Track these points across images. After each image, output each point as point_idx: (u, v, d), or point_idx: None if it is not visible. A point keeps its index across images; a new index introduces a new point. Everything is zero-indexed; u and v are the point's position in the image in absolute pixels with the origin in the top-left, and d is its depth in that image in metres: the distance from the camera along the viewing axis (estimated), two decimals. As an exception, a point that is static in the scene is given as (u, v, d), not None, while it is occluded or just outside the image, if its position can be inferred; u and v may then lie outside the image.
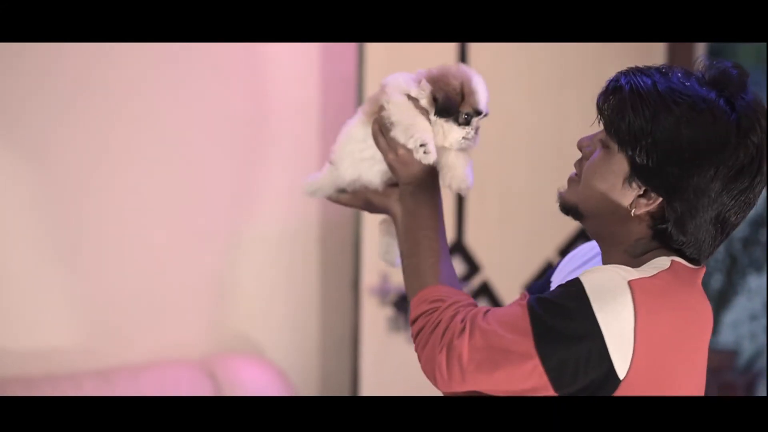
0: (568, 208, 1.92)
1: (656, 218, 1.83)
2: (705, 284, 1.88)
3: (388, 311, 3.84)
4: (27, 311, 3.48)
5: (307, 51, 3.86)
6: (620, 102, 1.82)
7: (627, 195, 1.83)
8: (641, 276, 1.77)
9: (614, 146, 1.82)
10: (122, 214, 3.62)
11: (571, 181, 1.92)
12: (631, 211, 1.83)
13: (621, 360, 1.72)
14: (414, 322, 1.83)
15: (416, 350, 1.81)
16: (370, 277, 3.79)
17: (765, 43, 3.93)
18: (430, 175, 1.92)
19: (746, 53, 4.08)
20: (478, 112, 1.91)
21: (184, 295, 3.75)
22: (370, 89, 3.71)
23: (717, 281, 4.83)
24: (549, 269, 2.12)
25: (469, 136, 1.92)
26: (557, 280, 2.03)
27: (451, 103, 1.88)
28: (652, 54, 3.97)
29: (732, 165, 1.78)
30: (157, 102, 3.63)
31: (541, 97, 3.91)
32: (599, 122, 1.86)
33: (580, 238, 3.92)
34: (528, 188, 3.99)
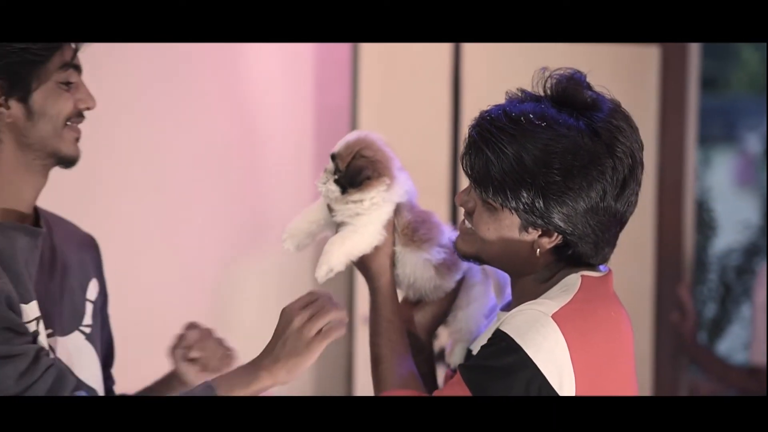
0: (467, 257, 1.92)
1: (560, 246, 1.84)
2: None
3: (382, 340, 3.82)
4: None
5: (301, 78, 3.87)
6: (480, 156, 1.82)
7: (527, 238, 1.84)
8: (559, 306, 1.79)
9: (496, 204, 1.82)
10: (112, 249, 3.61)
11: (463, 233, 1.91)
12: (535, 251, 1.84)
13: (566, 391, 1.75)
14: None
15: None
16: (364, 306, 3.77)
17: (759, 71, 3.94)
18: None
19: (739, 81, 4.09)
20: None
21: (176, 328, 3.73)
22: (365, 115, 3.72)
23: (711, 310, 4.78)
24: None
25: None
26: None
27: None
28: (644, 57, 3.94)
29: (615, 182, 1.79)
30: (143, 127, 3.63)
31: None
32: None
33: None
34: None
